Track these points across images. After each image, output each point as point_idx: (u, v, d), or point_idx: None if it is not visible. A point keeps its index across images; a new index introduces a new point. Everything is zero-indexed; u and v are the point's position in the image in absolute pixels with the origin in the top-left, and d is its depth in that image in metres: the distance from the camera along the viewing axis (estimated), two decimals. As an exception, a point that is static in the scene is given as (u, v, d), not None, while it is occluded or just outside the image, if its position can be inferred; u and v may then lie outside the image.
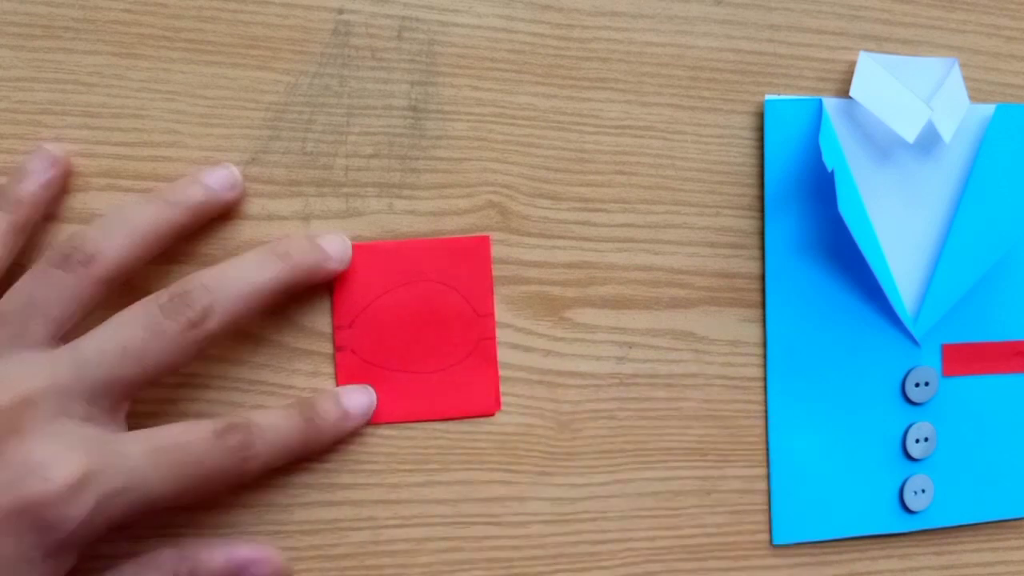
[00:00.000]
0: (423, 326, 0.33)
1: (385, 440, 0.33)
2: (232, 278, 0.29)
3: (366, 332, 0.33)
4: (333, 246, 0.32)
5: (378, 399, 0.33)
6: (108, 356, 0.27)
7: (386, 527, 0.33)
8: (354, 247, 0.33)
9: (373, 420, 0.33)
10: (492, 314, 0.34)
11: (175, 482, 0.27)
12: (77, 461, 0.26)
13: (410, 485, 0.34)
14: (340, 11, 0.33)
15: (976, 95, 0.39)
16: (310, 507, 0.33)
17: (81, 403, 0.27)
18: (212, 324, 0.28)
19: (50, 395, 0.26)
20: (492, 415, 0.34)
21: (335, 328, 0.33)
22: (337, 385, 0.33)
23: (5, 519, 0.25)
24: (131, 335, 0.27)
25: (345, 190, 0.33)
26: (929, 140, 0.38)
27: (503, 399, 0.34)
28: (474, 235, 0.34)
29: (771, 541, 0.37)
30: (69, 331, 0.28)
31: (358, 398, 0.32)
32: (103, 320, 0.28)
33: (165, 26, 0.31)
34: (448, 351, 0.33)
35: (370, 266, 0.33)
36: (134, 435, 0.28)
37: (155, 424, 0.29)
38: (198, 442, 0.28)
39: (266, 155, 0.32)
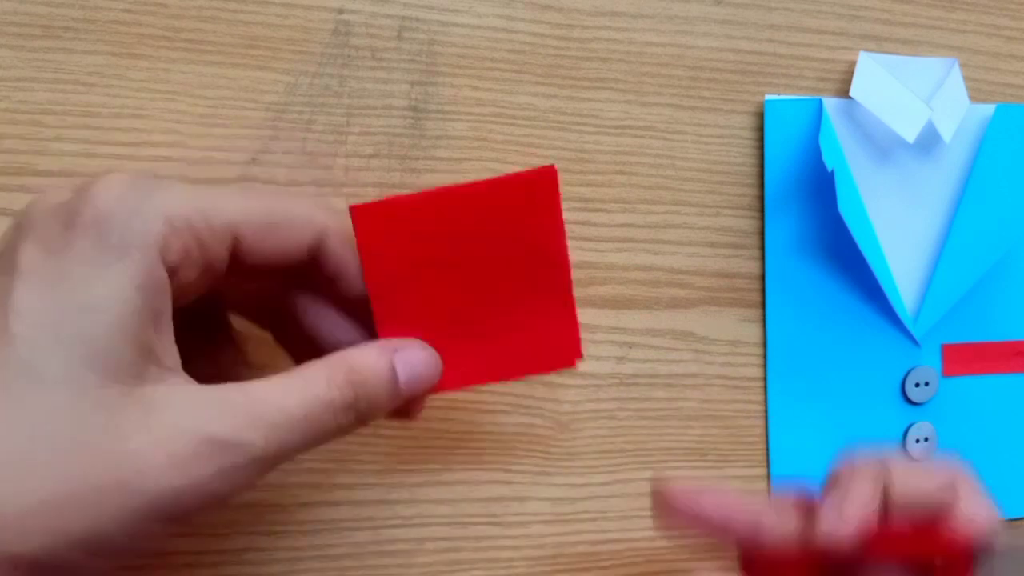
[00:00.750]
0: (482, 286, 0.28)
1: (385, 440, 0.33)
2: None
3: (411, 302, 0.28)
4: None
5: (441, 364, 0.28)
6: None
7: (386, 527, 0.33)
8: (373, 207, 0.27)
9: (439, 388, 0.28)
10: (565, 255, 0.28)
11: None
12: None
13: (410, 485, 0.34)
14: (340, 11, 0.32)
15: (976, 95, 0.39)
16: (310, 507, 0.33)
17: None
18: None
19: None
20: (574, 365, 0.29)
21: (373, 300, 0.27)
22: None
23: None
24: None
25: (345, 190, 0.33)
26: (929, 140, 0.38)
27: (507, 397, 0.34)
28: (536, 169, 0.28)
29: (771, 541, 0.37)
30: None
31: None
32: None
33: (165, 26, 0.31)
34: (514, 307, 0.28)
35: (403, 227, 0.27)
36: None
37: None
38: None
39: (266, 155, 0.32)
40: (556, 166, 0.27)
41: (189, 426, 0.22)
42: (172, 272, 0.23)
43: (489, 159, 0.34)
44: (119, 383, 0.22)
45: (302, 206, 0.26)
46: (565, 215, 0.35)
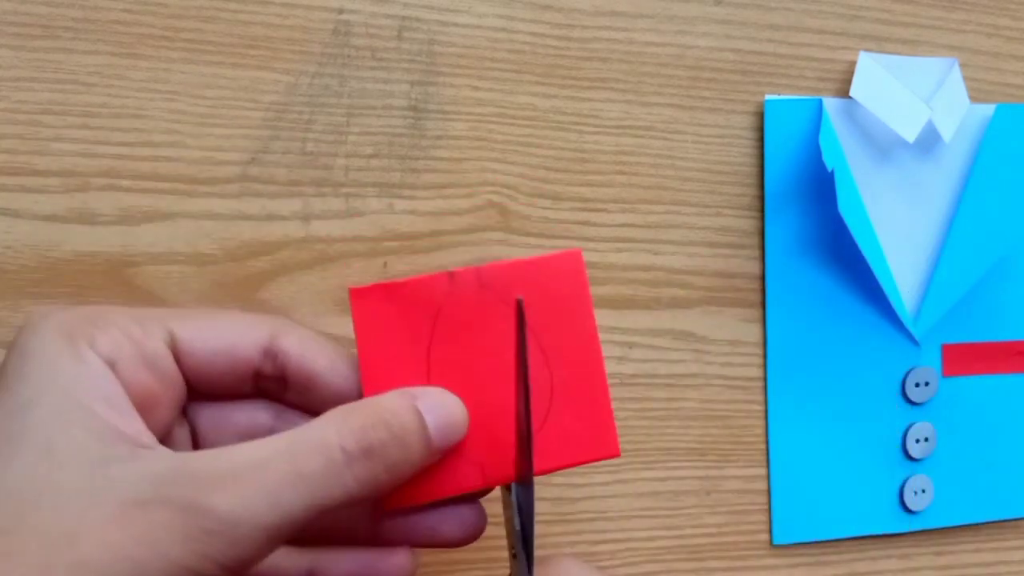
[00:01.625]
0: (498, 376, 0.25)
1: (385, 440, 0.33)
2: None
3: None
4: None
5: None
6: None
7: (386, 527, 0.33)
8: (373, 289, 0.25)
9: (460, 488, 0.26)
10: (596, 340, 0.26)
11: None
12: None
13: (410, 485, 0.33)
14: (340, 11, 0.32)
15: (976, 95, 0.39)
16: (310, 507, 0.33)
17: None
18: None
19: None
20: (617, 456, 0.26)
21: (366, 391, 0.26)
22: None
23: None
24: None
25: (345, 190, 0.33)
26: (929, 140, 0.38)
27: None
28: (561, 251, 0.26)
29: (771, 541, 0.37)
30: None
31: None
32: None
33: (165, 26, 0.31)
34: (538, 398, 0.26)
35: (405, 310, 0.25)
36: None
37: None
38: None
39: (266, 155, 0.32)
40: (581, 249, 0.26)
41: (143, 492, 0.20)
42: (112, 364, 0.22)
43: (489, 159, 0.34)
44: (86, 464, 0.20)
45: (238, 313, 0.25)
46: (565, 215, 0.35)
